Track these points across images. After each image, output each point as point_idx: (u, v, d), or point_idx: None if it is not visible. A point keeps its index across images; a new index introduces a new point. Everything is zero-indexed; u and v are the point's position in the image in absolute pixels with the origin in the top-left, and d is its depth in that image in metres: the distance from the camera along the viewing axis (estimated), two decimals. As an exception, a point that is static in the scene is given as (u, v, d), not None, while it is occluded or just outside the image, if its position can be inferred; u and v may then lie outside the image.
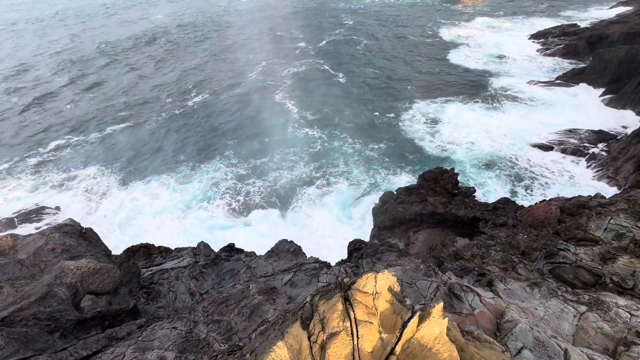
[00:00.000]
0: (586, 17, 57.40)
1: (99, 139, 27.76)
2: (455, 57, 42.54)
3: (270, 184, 22.00)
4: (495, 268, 8.64)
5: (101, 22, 73.99)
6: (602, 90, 29.79)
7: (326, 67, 42.13)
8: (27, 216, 20.08)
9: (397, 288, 3.74)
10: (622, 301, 6.07)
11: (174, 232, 18.67)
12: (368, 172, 22.30)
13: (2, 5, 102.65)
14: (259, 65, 43.55)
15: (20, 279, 5.63)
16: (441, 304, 3.55)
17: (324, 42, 54.39)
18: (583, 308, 5.78)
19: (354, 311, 3.52)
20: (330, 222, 18.97)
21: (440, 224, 15.86)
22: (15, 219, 19.90)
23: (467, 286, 5.96)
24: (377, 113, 29.55)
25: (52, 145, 27.22)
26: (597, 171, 20.98)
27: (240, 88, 36.74)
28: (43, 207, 20.89)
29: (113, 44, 56.61)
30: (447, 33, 54.72)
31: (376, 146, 24.66)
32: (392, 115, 28.91)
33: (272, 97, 34.17)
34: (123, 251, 11.75)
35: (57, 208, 20.86)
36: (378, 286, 3.59)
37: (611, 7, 61.45)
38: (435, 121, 27.16)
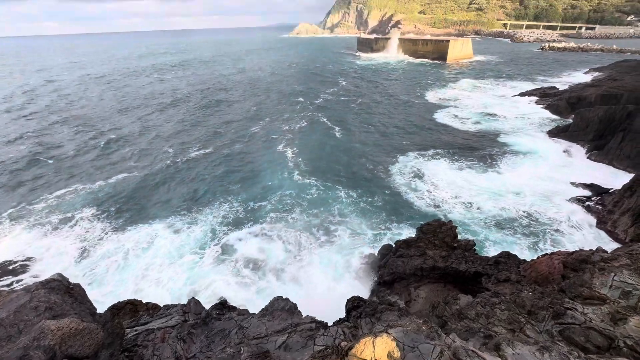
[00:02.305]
0: (561, 82, 62.59)
1: (100, 187, 28.09)
2: (445, 116, 45.16)
3: (267, 232, 21.75)
4: (501, 329, 8.16)
5: (125, 82, 79.68)
6: (588, 146, 31.23)
7: (324, 121, 44.68)
8: (14, 268, 19.27)
9: (397, 354, 3.52)
10: (640, 368, 5.65)
11: (165, 281, 17.83)
12: (366, 223, 22.13)
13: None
14: (262, 120, 46.30)
15: (-5, 341, 5.25)
16: (445, 373, 3.31)
17: (322, 99, 58.52)
18: (599, 377, 5.35)
19: (351, 381, 3.27)
20: (327, 275, 18.26)
21: (441, 279, 15.31)
22: (0, 271, 19.06)
23: (472, 351, 5.58)
24: (371, 166, 30.42)
25: (51, 194, 27.29)
26: (596, 224, 20.95)
27: (243, 140, 38.57)
28: (30, 258, 20.17)
29: (125, 100, 60.33)
30: (437, 93, 59.03)
31: (372, 198, 24.89)
32: (387, 169, 29.73)
33: (273, 148, 35.64)
34: (108, 308, 11.12)
35: (47, 258, 20.12)
36: (377, 352, 3.39)
37: (585, 73, 67.40)
38: (428, 178, 27.70)
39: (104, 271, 18.91)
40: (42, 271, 18.88)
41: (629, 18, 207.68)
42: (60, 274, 7.06)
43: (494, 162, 29.84)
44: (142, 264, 19.27)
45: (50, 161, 33.92)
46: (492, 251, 19.05)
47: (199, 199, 25.87)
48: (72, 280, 7.33)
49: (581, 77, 64.91)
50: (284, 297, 9.83)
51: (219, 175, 29.70)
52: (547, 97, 48.50)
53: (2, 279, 18.51)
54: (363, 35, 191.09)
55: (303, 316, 9.00)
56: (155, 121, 46.84)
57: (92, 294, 16.58)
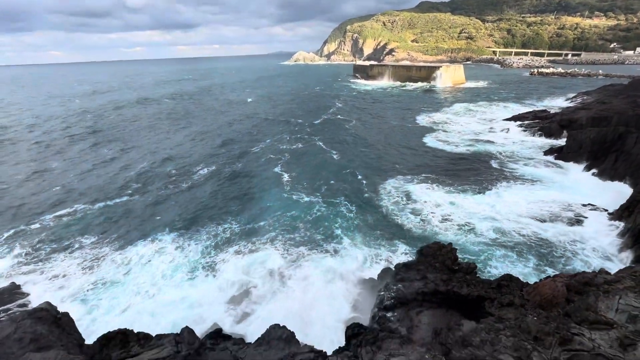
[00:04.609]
0: (551, 105, 64.36)
1: (101, 209, 28.01)
2: (436, 139, 45.66)
3: (265, 249, 21.54)
4: (508, 357, 7.83)
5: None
6: (582, 166, 31.62)
7: (320, 144, 45.68)
8: (0, 296, 18.57)
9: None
10: (655, 399, 5.38)
11: (158, 306, 17.18)
12: (361, 247, 21.80)
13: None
14: (262, 141, 47.58)
15: (-26, 377, 4.95)
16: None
17: (319, 121, 60.37)
18: (613, 408, 5.08)
19: (352, 417, 3.07)
20: (325, 299, 17.72)
21: (443, 304, 14.86)
22: (-13, 300, 18.34)
23: (479, 381, 5.32)
24: (365, 188, 30.69)
25: (48, 215, 26.99)
26: (597, 243, 20.75)
27: (243, 162, 39.37)
28: (19, 286, 19.48)
29: (132, 124, 61.27)
30: (429, 117, 60.33)
31: (365, 221, 24.82)
32: (378, 191, 29.67)
33: (272, 169, 36.26)
34: (97, 339, 10.60)
35: (39, 282, 19.45)
36: (378, 384, 3.21)
37: (574, 96, 69.49)
38: (421, 200, 27.49)
39: (96, 294, 18.32)
40: (32, 299, 18.20)
41: (612, 45, 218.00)
42: (48, 303, 6.81)
43: (488, 185, 29.73)
44: (135, 286, 18.73)
45: (48, 182, 33.94)
46: (493, 273, 18.70)
47: (198, 220, 25.75)
48: (63, 304, 7.07)
49: (570, 100, 66.93)
50: (281, 325, 9.49)
51: (219, 196, 29.87)
52: (539, 119, 49.64)
53: (-12, 308, 17.81)
54: (359, 62, 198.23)
55: (301, 345, 8.64)
56: (160, 144, 47.67)
57: (81, 320, 15.92)
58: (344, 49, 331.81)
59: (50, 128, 60.18)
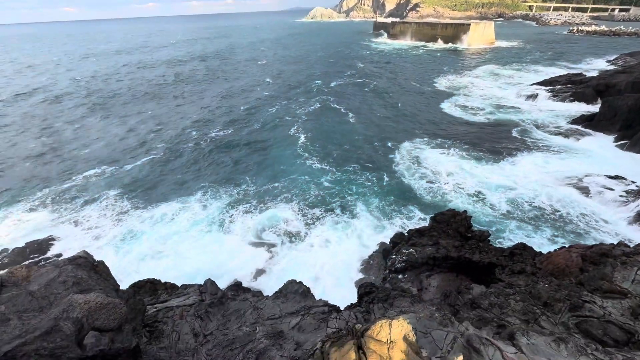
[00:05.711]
0: (589, 68, 59.28)
1: (127, 170, 29.42)
2: (457, 104, 43.53)
3: (280, 210, 22.27)
4: (515, 320, 8.10)
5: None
6: (614, 136, 29.80)
7: (337, 106, 44.87)
8: (39, 246, 20.32)
9: (412, 337, 3.55)
10: (660, 364, 5.53)
11: (180, 259, 18.50)
12: (378, 209, 22.12)
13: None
14: (278, 103, 47.28)
15: (28, 311, 5.59)
16: (461, 357, 3.33)
17: (337, 83, 58.51)
18: (617, 370, 5.27)
19: (366, 362, 3.33)
20: (336, 262, 18.46)
21: (454, 269, 15.20)
22: (27, 249, 20.12)
23: (486, 339, 5.57)
24: (381, 153, 30.44)
25: (78, 175, 28.58)
26: (619, 218, 20.21)
27: (260, 123, 39.75)
28: (55, 238, 21.19)
29: (148, 86, 61.38)
30: (452, 81, 57.06)
31: (379, 187, 24.90)
32: (394, 156, 29.41)
33: (287, 132, 36.47)
34: (130, 286, 11.62)
35: (72, 235, 21.11)
36: (393, 334, 3.42)
37: (616, 59, 63.58)
38: (437, 167, 27.00)
39: (125, 245, 19.84)
40: (67, 249, 19.87)
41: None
42: (85, 252, 7.40)
43: (505, 154, 28.64)
44: (160, 238, 20.14)
45: (75, 144, 35.30)
46: (505, 243, 18.72)
47: (217, 180, 26.66)
48: (97, 253, 7.69)
49: (611, 62, 61.33)
50: (298, 281, 10.03)
51: (236, 159, 30.61)
52: (572, 84, 46.09)
53: (30, 256, 19.59)
54: (380, 19, 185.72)
55: (316, 299, 9.18)
56: (180, 107, 48.06)
57: (113, 268, 17.44)
58: (364, 5, 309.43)
59: (73, 90, 61.00)
